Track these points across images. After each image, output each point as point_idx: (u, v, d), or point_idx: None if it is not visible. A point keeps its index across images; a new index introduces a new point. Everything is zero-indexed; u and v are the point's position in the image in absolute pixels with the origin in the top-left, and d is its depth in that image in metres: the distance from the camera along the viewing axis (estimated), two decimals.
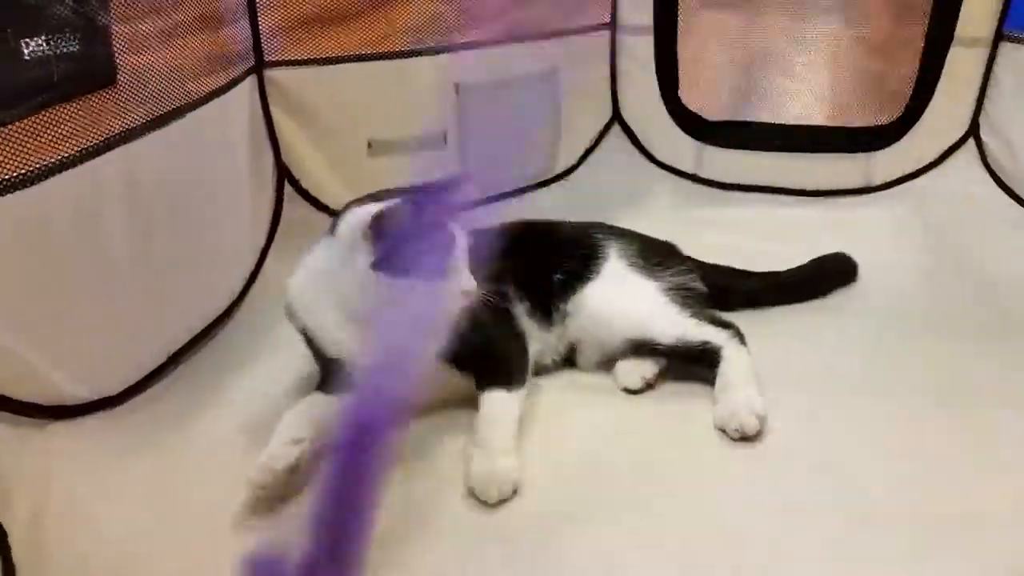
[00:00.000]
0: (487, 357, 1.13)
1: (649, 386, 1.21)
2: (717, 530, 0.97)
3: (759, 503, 1.01)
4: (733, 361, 1.18)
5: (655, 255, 1.31)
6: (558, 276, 1.25)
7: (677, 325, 1.21)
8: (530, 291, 1.24)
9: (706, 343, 1.20)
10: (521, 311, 1.23)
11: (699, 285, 1.31)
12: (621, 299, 1.24)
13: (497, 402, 1.09)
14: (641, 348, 1.22)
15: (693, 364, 1.21)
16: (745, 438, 1.10)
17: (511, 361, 1.15)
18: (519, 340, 1.20)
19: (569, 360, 1.28)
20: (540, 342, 1.24)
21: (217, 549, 0.95)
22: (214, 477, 1.06)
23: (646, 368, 1.21)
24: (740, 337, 1.22)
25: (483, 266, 1.14)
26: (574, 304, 1.24)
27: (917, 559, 0.92)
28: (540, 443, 1.11)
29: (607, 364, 1.25)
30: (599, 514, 1.00)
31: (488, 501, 0.99)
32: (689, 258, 1.38)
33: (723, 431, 1.12)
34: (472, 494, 1.01)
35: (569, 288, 1.25)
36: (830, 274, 1.51)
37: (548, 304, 1.25)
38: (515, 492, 1.01)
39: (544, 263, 1.26)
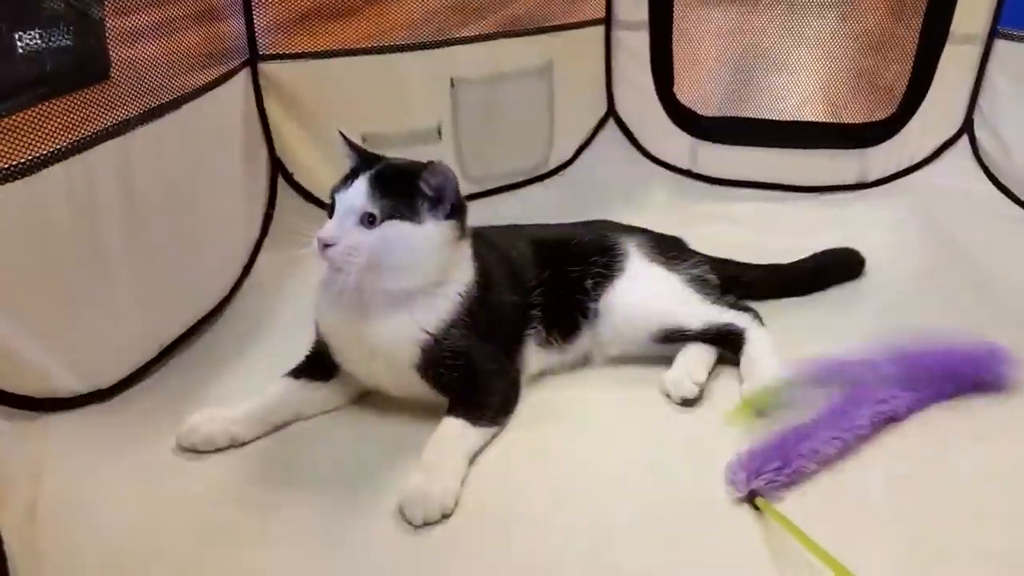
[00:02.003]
0: (465, 388, 1.10)
1: (702, 392, 1.18)
2: (713, 521, 0.97)
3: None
4: (757, 342, 1.22)
5: (670, 249, 1.33)
6: (589, 282, 1.25)
7: (703, 311, 1.25)
8: (552, 313, 1.22)
9: (730, 325, 1.24)
10: (533, 342, 1.21)
11: (712, 276, 1.33)
12: (650, 292, 1.26)
13: (453, 429, 1.06)
14: (668, 337, 1.23)
15: (719, 346, 1.24)
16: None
17: (489, 403, 1.11)
18: (511, 381, 1.17)
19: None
20: (550, 361, 1.24)
21: (210, 541, 0.96)
22: (206, 469, 1.06)
23: (695, 372, 1.19)
24: (759, 319, 1.27)
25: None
26: (605, 303, 1.24)
27: (916, 558, 0.92)
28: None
29: (621, 360, 1.26)
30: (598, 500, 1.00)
31: (412, 521, 0.96)
32: (697, 251, 1.39)
33: None
34: (400, 512, 0.97)
35: (599, 289, 1.25)
36: (834, 268, 1.51)
37: (573, 318, 1.24)
38: (444, 517, 0.97)
39: (573, 276, 1.25)
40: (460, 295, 1.10)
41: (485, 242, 1.19)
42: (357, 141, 1.68)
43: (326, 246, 1.02)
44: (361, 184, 1.05)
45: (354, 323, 1.08)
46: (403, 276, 1.06)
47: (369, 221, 1.04)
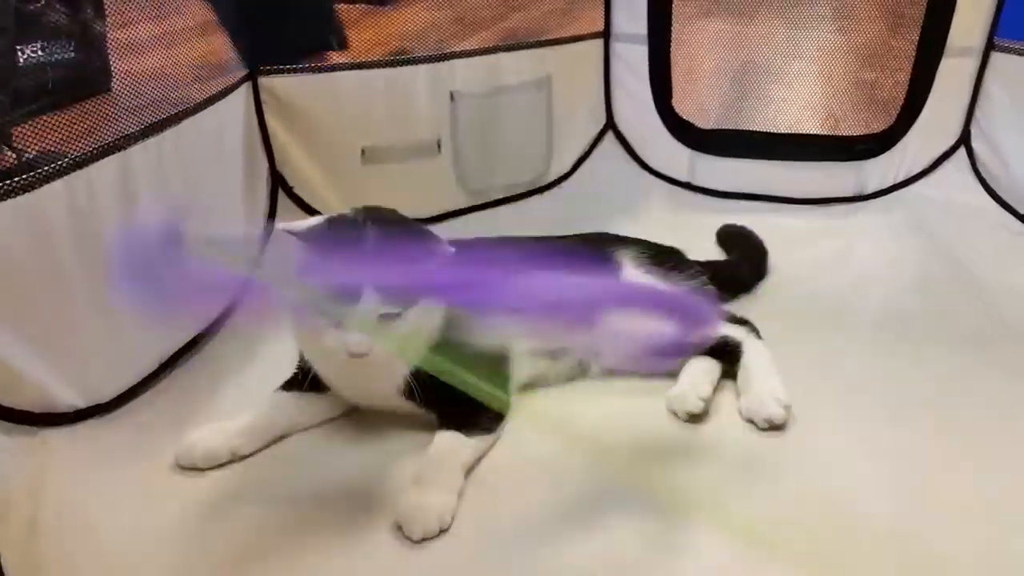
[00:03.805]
0: (454, 402, 1.08)
1: (707, 406, 1.17)
2: (705, 532, 0.97)
3: (748, 507, 1.01)
4: (754, 354, 1.22)
5: (667, 260, 1.33)
6: None
7: None
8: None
9: (726, 338, 1.23)
10: (522, 347, 1.20)
11: (711, 287, 1.34)
12: None
13: (448, 442, 1.06)
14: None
15: (716, 359, 1.23)
16: (773, 427, 1.13)
17: (479, 412, 1.10)
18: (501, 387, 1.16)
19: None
20: (540, 367, 1.23)
21: (210, 556, 0.95)
22: (206, 484, 1.06)
23: (700, 387, 1.18)
24: (756, 332, 1.27)
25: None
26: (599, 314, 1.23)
27: (912, 562, 0.93)
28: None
29: (619, 371, 1.25)
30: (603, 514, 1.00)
31: (411, 537, 0.95)
32: (695, 262, 1.40)
33: (751, 422, 1.15)
34: (398, 528, 0.97)
35: None
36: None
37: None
38: (442, 531, 0.97)
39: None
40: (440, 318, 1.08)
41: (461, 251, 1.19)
42: (357, 155, 1.71)
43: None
44: (371, 296, 0.97)
45: (338, 358, 1.05)
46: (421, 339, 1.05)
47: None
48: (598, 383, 1.25)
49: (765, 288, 1.54)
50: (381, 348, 1.00)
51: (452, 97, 1.77)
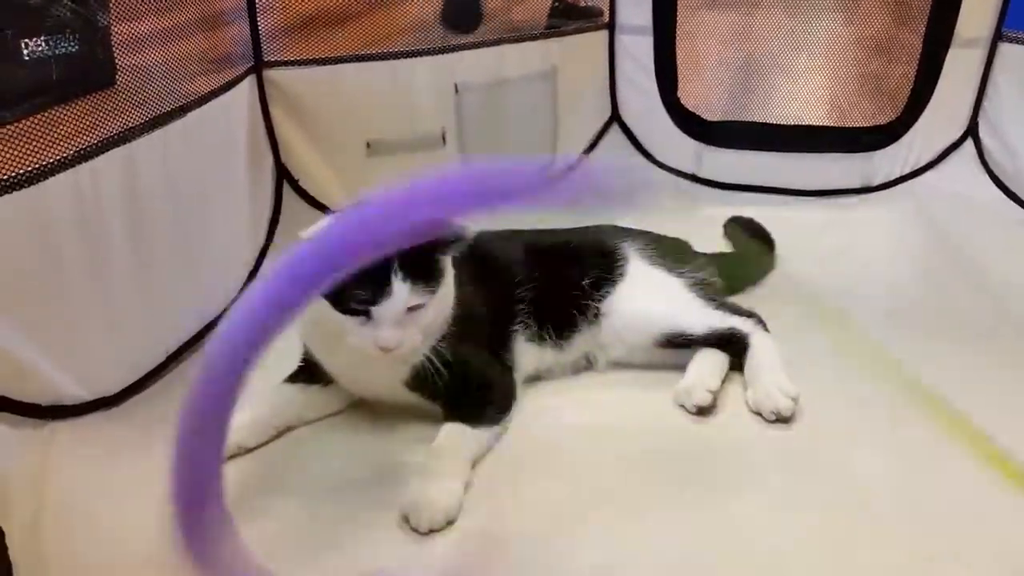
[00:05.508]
0: (458, 393, 1.09)
1: (716, 399, 1.17)
2: (712, 523, 0.97)
3: (755, 499, 1.01)
4: (761, 347, 1.22)
5: (672, 252, 1.33)
6: (586, 282, 1.24)
7: (706, 317, 1.24)
8: (543, 308, 1.21)
9: (733, 330, 1.23)
10: (522, 338, 1.20)
11: (716, 279, 1.33)
12: (651, 296, 1.25)
13: (454, 434, 1.07)
14: (671, 342, 1.23)
15: (723, 352, 1.23)
16: (780, 419, 1.13)
17: (485, 403, 1.11)
18: (503, 378, 1.16)
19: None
20: (546, 359, 1.23)
21: None
22: None
23: (709, 380, 1.18)
24: (763, 324, 1.26)
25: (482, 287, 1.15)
26: (606, 306, 1.24)
27: (913, 558, 0.92)
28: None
29: (628, 364, 1.25)
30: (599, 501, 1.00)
31: (418, 529, 0.95)
32: (702, 254, 1.40)
33: (758, 413, 1.15)
34: (404, 520, 0.97)
35: (599, 290, 1.24)
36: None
37: (568, 317, 1.23)
38: (449, 523, 0.96)
39: (567, 274, 1.24)
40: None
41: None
42: (362, 147, 1.71)
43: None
44: (402, 289, 0.97)
45: (342, 349, 1.05)
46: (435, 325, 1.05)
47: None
48: (605, 376, 1.25)
49: (772, 280, 1.54)
50: (409, 341, 1.00)
51: (457, 89, 1.76)
